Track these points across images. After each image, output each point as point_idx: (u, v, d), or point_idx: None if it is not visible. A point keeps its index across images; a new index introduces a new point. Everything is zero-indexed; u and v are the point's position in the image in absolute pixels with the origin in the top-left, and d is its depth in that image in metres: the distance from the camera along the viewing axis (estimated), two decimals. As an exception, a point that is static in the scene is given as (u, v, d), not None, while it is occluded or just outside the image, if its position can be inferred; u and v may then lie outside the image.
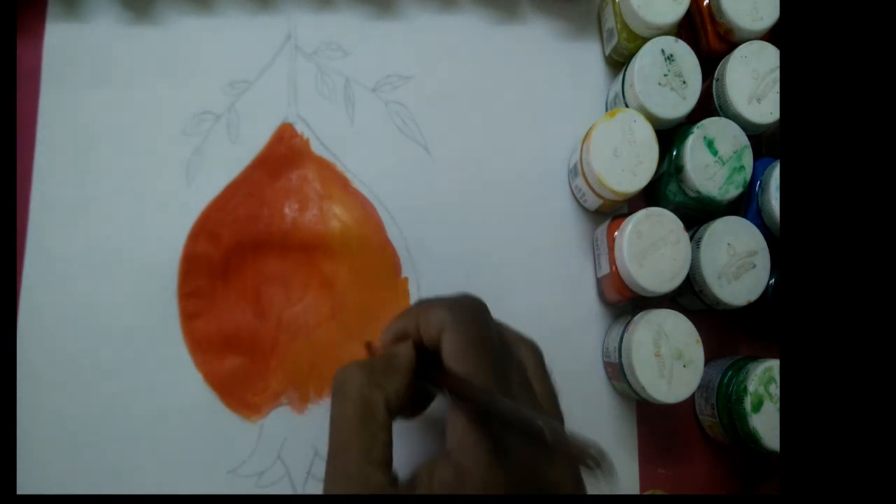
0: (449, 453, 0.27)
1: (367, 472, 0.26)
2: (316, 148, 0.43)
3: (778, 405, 0.36)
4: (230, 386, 0.40)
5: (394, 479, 0.27)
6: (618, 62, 0.44)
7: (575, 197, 0.44)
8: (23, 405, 0.39)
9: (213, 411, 0.40)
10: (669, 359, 0.36)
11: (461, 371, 0.28)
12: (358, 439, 0.27)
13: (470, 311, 0.30)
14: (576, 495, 0.27)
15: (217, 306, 0.41)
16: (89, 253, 0.41)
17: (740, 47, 0.39)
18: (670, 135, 0.40)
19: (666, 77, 0.39)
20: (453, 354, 0.28)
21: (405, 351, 0.30)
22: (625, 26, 0.41)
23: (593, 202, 0.42)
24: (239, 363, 0.40)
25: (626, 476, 0.41)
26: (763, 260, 0.38)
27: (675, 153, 0.39)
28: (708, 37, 0.42)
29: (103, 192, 0.41)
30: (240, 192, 0.42)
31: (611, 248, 0.39)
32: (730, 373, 0.38)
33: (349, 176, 0.43)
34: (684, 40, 0.39)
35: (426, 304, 0.31)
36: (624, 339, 0.38)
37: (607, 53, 0.44)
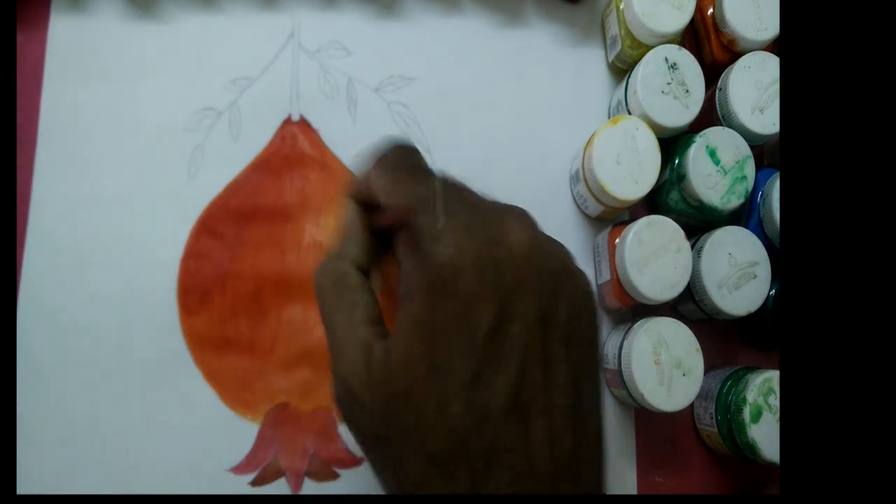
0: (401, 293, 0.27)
1: (351, 333, 0.26)
2: (318, 147, 0.43)
3: (777, 416, 0.36)
4: (229, 384, 0.40)
5: (383, 333, 0.26)
6: (621, 69, 0.44)
7: (576, 203, 0.43)
8: (22, 403, 0.39)
9: (213, 409, 0.40)
10: (669, 367, 0.36)
11: (388, 194, 0.28)
12: (339, 311, 0.27)
13: (394, 151, 0.29)
14: (571, 496, 0.26)
15: (217, 304, 0.41)
16: (90, 248, 0.41)
17: (744, 57, 0.39)
18: (672, 143, 0.40)
19: (669, 85, 0.39)
20: (377, 184, 0.28)
21: (348, 212, 0.30)
22: (629, 34, 0.41)
23: (594, 209, 0.42)
24: (238, 361, 0.40)
25: (624, 484, 0.41)
26: (764, 270, 0.38)
27: (677, 162, 0.39)
28: (711, 46, 0.42)
29: (104, 187, 0.41)
30: (241, 190, 0.42)
31: (611, 255, 0.39)
32: (729, 382, 0.38)
33: (351, 176, 0.43)
34: (688, 49, 0.39)
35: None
36: (623, 347, 0.38)
37: (610, 60, 0.44)
